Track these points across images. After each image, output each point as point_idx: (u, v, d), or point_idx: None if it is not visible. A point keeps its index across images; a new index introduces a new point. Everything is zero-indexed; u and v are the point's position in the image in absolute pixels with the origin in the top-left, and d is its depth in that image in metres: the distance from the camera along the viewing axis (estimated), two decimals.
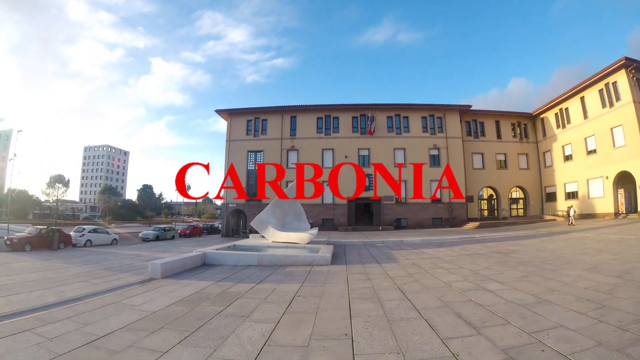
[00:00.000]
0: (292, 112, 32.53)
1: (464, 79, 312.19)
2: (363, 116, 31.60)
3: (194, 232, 33.48)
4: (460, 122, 32.50)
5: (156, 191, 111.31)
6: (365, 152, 31.36)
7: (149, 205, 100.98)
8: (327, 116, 32.07)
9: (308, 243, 14.49)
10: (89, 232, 24.74)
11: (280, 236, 14.97)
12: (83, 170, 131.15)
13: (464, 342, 3.90)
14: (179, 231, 34.15)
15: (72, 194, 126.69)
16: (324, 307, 5.63)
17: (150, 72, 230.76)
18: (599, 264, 8.21)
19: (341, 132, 31.81)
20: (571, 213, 23.65)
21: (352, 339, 4.10)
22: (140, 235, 30.40)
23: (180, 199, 79.75)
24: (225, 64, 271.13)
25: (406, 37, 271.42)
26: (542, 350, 3.56)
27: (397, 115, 32.05)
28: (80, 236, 23.77)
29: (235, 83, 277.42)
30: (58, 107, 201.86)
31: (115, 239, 26.01)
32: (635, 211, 24.27)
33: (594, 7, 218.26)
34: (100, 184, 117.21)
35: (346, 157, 30.87)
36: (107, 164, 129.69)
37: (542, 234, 17.80)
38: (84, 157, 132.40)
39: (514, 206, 35.14)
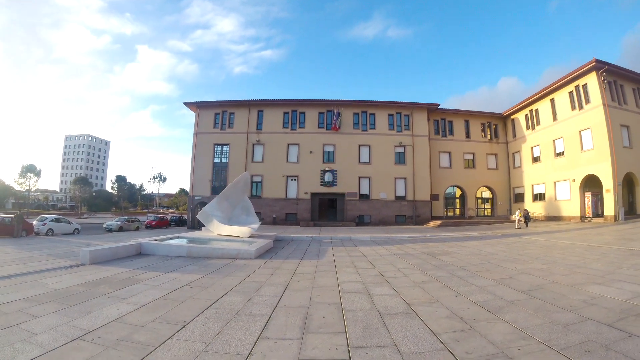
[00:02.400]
0: (259, 106, 33.84)
1: (454, 76, 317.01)
2: (330, 112, 32.95)
3: (160, 224, 34.78)
4: (428, 120, 33.99)
5: (137, 182, 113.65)
6: (330, 148, 32.87)
7: (128, 196, 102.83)
8: (293, 111, 33.44)
9: (250, 237, 15.87)
10: (51, 221, 26.26)
11: (224, 229, 16.20)
12: (64, 160, 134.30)
13: (277, 344, 4.11)
14: (145, 223, 35.72)
15: (53, 183, 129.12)
16: (198, 296, 6.43)
17: (136, 60, 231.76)
18: (519, 273, 8.23)
19: (307, 127, 33.19)
20: (516, 216, 24.88)
21: (184, 326, 4.71)
22: (104, 225, 31.85)
23: (159, 190, 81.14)
24: (213, 54, 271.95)
25: (396, 33, 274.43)
26: None
27: (364, 112, 33.49)
28: (42, 225, 25.30)
29: (222, 74, 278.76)
30: (41, 94, 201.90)
31: (77, 229, 27.47)
32: (601, 215, 25.52)
33: (589, 9, 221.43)
34: (80, 173, 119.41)
35: (311, 152, 32.41)
36: (88, 153, 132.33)
37: (494, 236, 18.82)
38: (65, 147, 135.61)
39: (484, 206, 36.88)
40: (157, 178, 67.25)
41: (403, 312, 5.35)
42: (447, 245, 14.71)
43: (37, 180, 66.38)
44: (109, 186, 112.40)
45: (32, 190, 68.33)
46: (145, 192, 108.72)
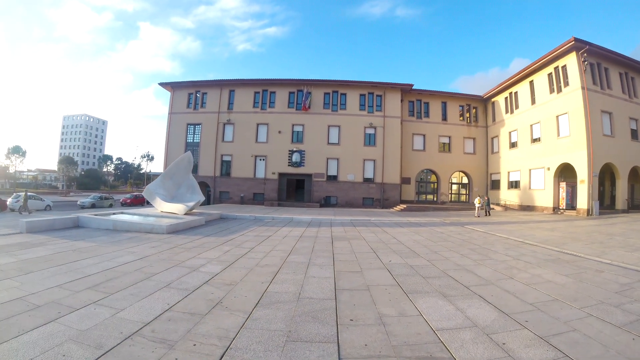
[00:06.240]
0: (231, 85, 35.70)
1: (463, 57, 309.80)
2: (300, 92, 34.55)
3: (135, 202, 37.29)
4: (402, 101, 35.20)
5: (136, 161, 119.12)
6: (299, 128, 34.58)
7: (124, 174, 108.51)
8: (264, 91, 35.20)
9: (187, 213, 18.00)
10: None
11: (165, 206, 18.38)
12: (62, 140, 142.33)
13: (73, 296, 5.50)
14: (120, 200, 38.74)
15: (52, 163, 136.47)
16: (68, 258, 8.34)
17: (138, 37, 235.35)
18: (375, 269, 8.19)
19: (277, 107, 34.93)
20: (476, 203, 25.51)
21: (26, 273, 6.78)
22: (78, 203, 34.92)
23: (153, 168, 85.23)
24: (217, 31, 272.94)
25: (404, 12, 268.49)
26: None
27: (335, 92, 34.84)
28: (15, 202, 28.67)
29: (226, 51, 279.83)
30: (43, 73, 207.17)
31: (48, 205, 30.67)
32: (574, 208, 25.42)
33: None
34: (77, 153, 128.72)
35: (280, 132, 34.25)
36: (85, 133, 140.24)
37: (441, 223, 19.72)
38: (63, 126, 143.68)
39: (462, 191, 38.01)
40: (145, 157, 71.18)
41: (181, 297, 5.83)
42: (371, 231, 15.72)
43: (22, 161, 71.76)
44: (107, 165, 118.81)
45: (19, 170, 73.67)
46: (143, 170, 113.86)
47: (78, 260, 8.18)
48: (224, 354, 3.84)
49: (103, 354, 3.75)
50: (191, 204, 18.54)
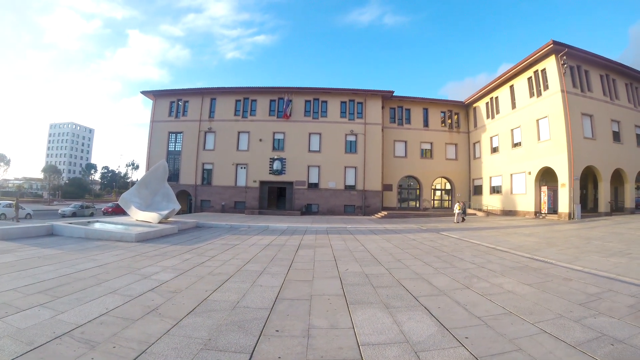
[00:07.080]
0: (213, 94, 36.29)
1: (452, 63, 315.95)
2: (281, 100, 35.18)
3: (116, 210, 37.25)
4: (383, 108, 35.89)
5: (121, 170, 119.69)
6: (280, 136, 35.16)
7: (110, 184, 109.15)
8: (245, 99, 35.80)
9: (161, 222, 18.22)
10: (3, 207, 30.06)
11: (139, 215, 18.60)
12: (48, 148, 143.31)
13: (20, 295, 6.10)
14: (102, 209, 39.11)
15: (38, 172, 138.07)
16: (32, 263, 8.75)
17: (127, 44, 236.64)
18: (333, 277, 8.22)
19: (258, 115, 35.49)
20: (455, 210, 25.50)
21: None
22: (59, 212, 35.32)
23: (138, 176, 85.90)
24: (205, 39, 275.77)
25: (393, 19, 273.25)
26: None
27: (316, 99, 35.56)
28: None
29: (214, 59, 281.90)
30: (30, 80, 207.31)
31: (29, 214, 31.26)
32: (556, 212, 25.59)
33: None
34: (64, 161, 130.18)
35: (261, 140, 34.77)
36: (72, 141, 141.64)
37: (417, 230, 19.64)
38: (50, 135, 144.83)
39: (445, 197, 38.62)
40: (130, 165, 71.95)
41: (132, 294, 6.51)
42: (342, 239, 15.75)
43: (6, 170, 72.31)
44: (92, 174, 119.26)
45: (4, 179, 74.22)
46: (129, 179, 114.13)
47: (40, 267, 8.52)
48: (137, 358, 4.12)
49: (31, 350, 4.14)
50: (165, 212, 18.77)
